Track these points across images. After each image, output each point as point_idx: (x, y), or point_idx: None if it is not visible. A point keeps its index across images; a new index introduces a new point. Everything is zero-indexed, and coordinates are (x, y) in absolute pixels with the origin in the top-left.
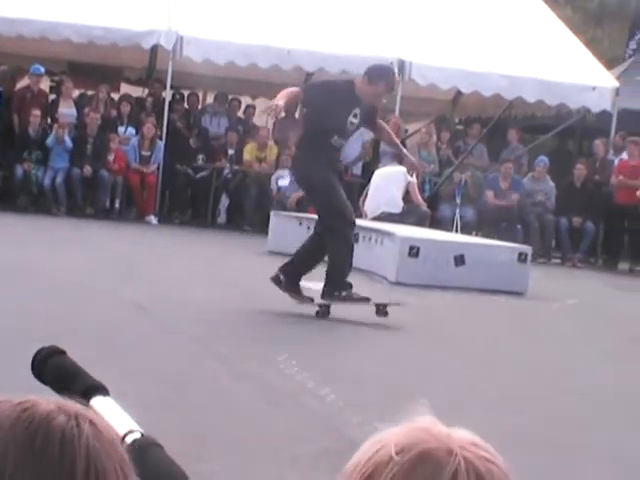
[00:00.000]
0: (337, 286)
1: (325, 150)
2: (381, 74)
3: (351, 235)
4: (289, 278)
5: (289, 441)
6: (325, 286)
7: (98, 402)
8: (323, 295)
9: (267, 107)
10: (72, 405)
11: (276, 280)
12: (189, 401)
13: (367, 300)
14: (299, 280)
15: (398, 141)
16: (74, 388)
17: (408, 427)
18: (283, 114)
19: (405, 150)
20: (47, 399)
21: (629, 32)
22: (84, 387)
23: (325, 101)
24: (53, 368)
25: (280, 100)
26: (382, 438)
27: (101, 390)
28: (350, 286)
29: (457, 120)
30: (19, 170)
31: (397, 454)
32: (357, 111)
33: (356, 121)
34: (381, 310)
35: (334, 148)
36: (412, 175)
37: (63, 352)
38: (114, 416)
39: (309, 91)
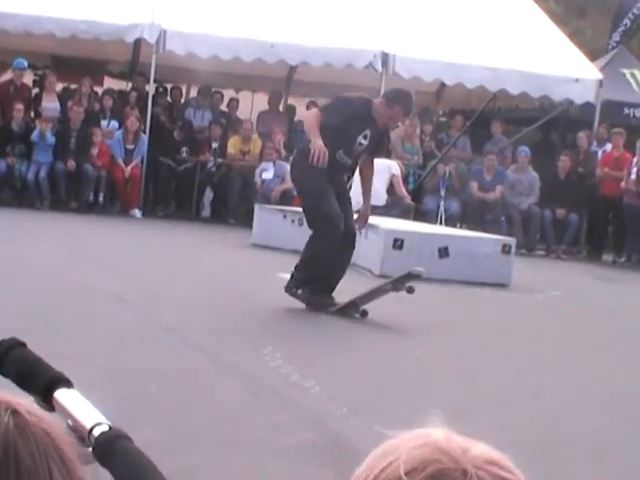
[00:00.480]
0: (297, 283)
1: (328, 162)
2: (398, 97)
3: (335, 243)
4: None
5: (273, 433)
6: (290, 278)
7: (62, 394)
8: (286, 287)
9: (316, 155)
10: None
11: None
12: (172, 394)
13: (325, 306)
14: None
15: (369, 191)
16: (36, 381)
17: (421, 439)
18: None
19: (368, 203)
20: None
21: (612, 24)
22: (47, 380)
23: (340, 119)
24: (14, 361)
25: (317, 138)
26: (393, 449)
27: (65, 382)
28: (317, 290)
29: (441, 112)
30: (2, 164)
31: (407, 474)
32: (368, 133)
33: (365, 143)
34: (403, 289)
35: (338, 163)
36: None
37: (23, 344)
38: (79, 408)
39: (327, 111)
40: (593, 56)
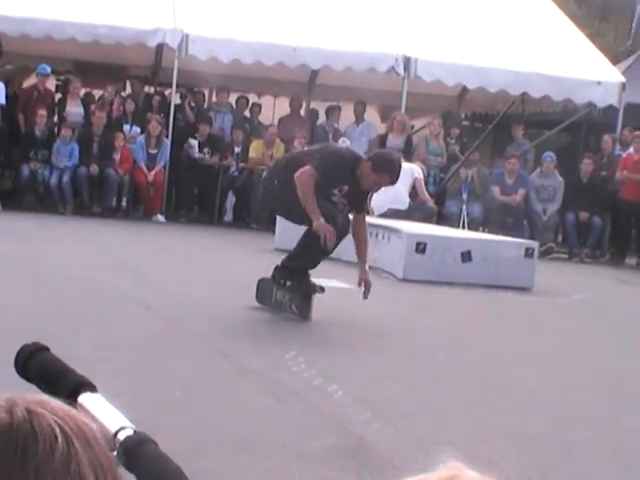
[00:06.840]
0: (287, 273)
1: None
2: (387, 166)
3: (320, 259)
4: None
5: (296, 438)
6: (279, 268)
7: (87, 399)
8: (273, 278)
9: (327, 239)
10: (21, 399)
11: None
12: (196, 399)
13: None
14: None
15: (366, 252)
16: (61, 385)
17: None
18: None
19: (366, 266)
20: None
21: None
22: (71, 384)
23: (325, 175)
24: (38, 365)
25: (319, 217)
26: None
27: (89, 387)
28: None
29: (463, 116)
30: (25, 170)
31: None
32: (345, 188)
33: (338, 195)
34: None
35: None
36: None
37: (47, 349)
38: (104, 413)
39: (319, 169)
40: (615, 59)
